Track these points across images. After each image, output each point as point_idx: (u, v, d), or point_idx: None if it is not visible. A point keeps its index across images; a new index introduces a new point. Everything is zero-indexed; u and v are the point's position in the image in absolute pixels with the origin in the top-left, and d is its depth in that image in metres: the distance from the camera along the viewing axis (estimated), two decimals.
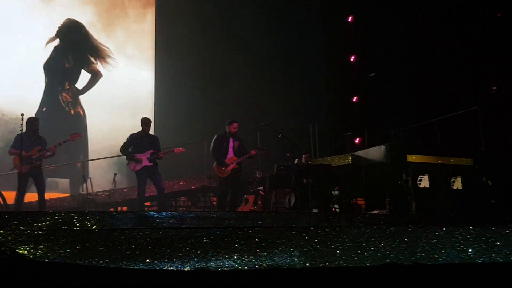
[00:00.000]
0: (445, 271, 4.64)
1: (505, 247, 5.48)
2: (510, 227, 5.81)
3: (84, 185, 11.34)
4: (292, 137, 9.62)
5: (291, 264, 4.07)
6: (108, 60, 15.04)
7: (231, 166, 8.90)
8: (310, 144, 13.90)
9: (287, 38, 16.19)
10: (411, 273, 4.31)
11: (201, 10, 15.53)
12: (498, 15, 16.03)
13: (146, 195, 9.45)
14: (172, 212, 5.07)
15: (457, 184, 11.98)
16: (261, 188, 10.93)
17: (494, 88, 15.87)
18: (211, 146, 9.24)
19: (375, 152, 11.94)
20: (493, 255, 5.42)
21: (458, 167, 12.15)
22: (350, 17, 17.33)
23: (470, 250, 5.35)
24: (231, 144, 9.07)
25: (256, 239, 4.46)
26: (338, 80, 16.89)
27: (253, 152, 9.09)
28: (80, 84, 14.82)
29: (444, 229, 5.65)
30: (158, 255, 3.90)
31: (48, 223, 4.55)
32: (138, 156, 8.82)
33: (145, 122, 9.19)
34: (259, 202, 10.71)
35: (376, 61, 17.29)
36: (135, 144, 8.98)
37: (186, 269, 3.87)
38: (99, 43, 15.06)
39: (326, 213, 9.60)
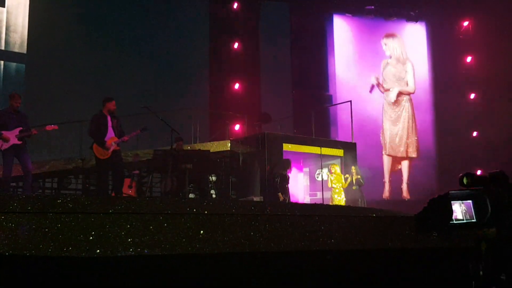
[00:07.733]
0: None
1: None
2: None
3: None
4: (172, 122, 9.49)
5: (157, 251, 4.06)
6: None
7: (112, 148, 8.42)
8: (191, 130, 13.88)
9: (171, 21, 15.97)
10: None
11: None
12: None
13: (12, 175, 8.87)
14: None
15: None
16: (136, 171, 10.76)
17: None
18: (89, 126, 8.78)
19: (253, 140, 12.25)
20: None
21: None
22: (236, 4, 17.36)
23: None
24: (109, 123, 8.54)
25: (128, 225, 4.38)
26: (221, 67, 16.92)
27: (125, 137, 8.58)
28: None
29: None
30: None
31: None
32: (5, 134, 8.26)
33: (14, 97, 8.58)
34: (134, 185, 10.52)
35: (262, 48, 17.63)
36: (2, 122, 8.37)
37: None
38: None
39: (201, 198, 9.68)
